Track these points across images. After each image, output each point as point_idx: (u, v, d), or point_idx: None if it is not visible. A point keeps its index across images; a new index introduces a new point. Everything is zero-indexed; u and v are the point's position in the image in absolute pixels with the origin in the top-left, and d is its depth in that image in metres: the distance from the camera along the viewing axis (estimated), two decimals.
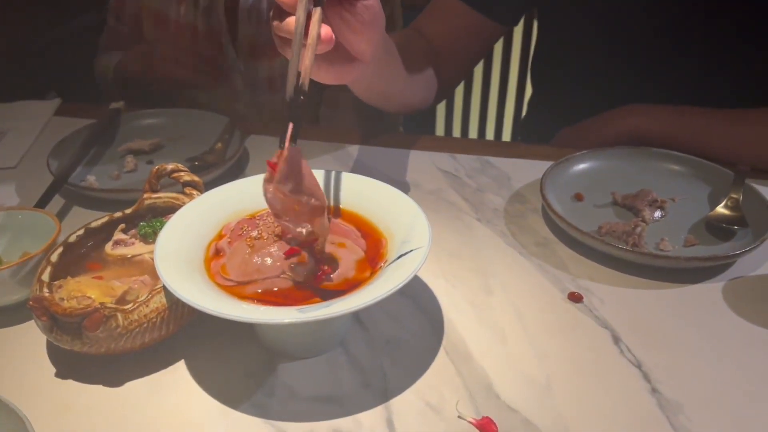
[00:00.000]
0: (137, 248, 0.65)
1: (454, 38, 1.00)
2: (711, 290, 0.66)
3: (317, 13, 0.54)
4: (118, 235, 0.66)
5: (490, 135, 1.60)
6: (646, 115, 0.89)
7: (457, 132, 1.61)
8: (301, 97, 0.53)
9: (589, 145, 0.88)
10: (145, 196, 0.68)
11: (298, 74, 0.54)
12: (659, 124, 0.87)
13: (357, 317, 0.62)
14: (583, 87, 1.02)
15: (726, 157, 0.83)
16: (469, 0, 0.98)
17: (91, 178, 0.84)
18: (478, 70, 1.51)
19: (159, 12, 1.10)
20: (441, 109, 1.59)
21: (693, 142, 0.85)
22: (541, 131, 1.10)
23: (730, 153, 0.84)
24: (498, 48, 1.48)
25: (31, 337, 0.60)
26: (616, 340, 0.60)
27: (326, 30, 0.54)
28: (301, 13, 0.54)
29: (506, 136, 1.58)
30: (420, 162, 0.89)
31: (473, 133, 1.61)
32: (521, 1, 1.02)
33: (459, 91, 1.55)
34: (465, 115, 1.58)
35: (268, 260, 0.55)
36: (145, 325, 0.55)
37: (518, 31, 1.45)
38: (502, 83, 1.51)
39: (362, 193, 0.64)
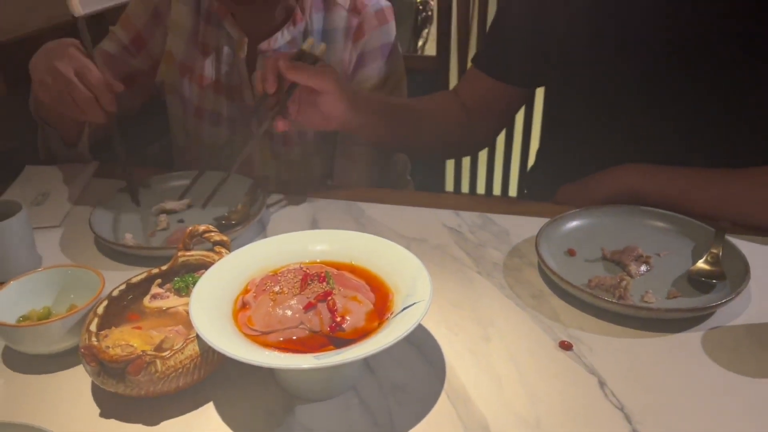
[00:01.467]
0: (172, 301, 0.73)
1: (485, 102, 1.16)
2: (691, 339, 0.72)
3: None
4: (155, 290, 0.74)
5: (497, 187, 1.68)
6: (640, 175, 0.96)
7: (465, 185, 1.69)
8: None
9: (588, 201, 0.95)
10: (179, 254, 0.77)
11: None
12: (653, 183, 0.94)
13: (367, 363, 0.69)
14: (587, 145, 1.10)
15: (713, 214, 0.90)
16: (491, 72, 1.14)
17: (129, 236, 0.93)
18: None
19: (185, 62, 1.20)
20: (450, 163, 1.68)
21: (683, 199, 0.92)
22: (546, 183, 1.18)
23: (716, 210, 0.90)
24: None
25: (78, 380, 0.68)
26: (602, 385, 0.66)
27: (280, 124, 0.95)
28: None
29: (512, 187, 1.65)
30: (426, 218, 0.97)
31: (481, 187, 1.69)
32: (539, 67, 1.12)
33: None
34: (473, 170, 1.67)
35: (289, 312, 0.62)
36: (180, 370, 0.62)
37: None
38: (508, 140, 1.60)
39: (372, 251, 0.72)
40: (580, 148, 1.11)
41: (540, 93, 1.33)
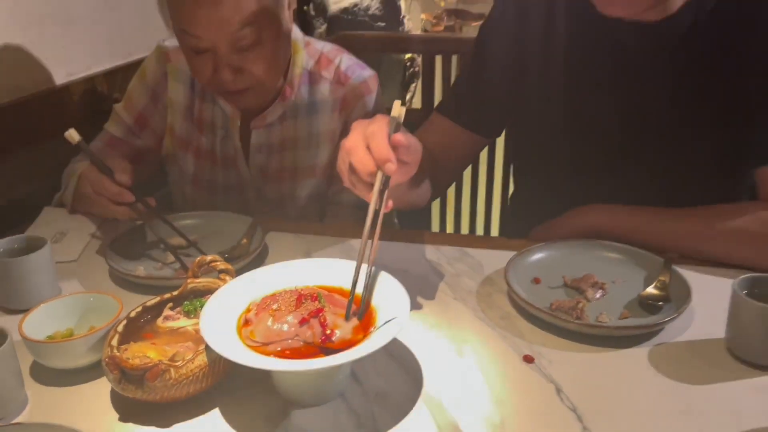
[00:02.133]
0: (182, 322, 0.83)
1: (447, 148, 1.22)
2: (639, 353, 0.82)
3: (387, 194, 0.79)
4: (167, 312, 0.84)
5: (480, 228, 1.80)
6: (602, 214, 1.07)
7: (450, 226, 1.81)
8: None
9: (558, 238, 1.06)
10: (189, 281, 0.87)
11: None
12: (613, 220, 1.06)
13: (353, 374, 0.79)
14: (554, 188, 1.21)
15: (662, 247, 1.01)
16: (455, 119, 1.21)
17: (140, 268, 1.03)
18: (467, 174, 1.73)
19: (182, 137, 1.30)
20: (435, 207, 1.80)
21: (637, 234, 1.03)
22: (522, 223, 1.28)
23: (665, 244, 1.02)
24: (484, 155, 1.70)
25: (99, 391, 0.78)
26: (559, 391, 0.76)
27: (390, 204, 0.80)
28: (376, 193, 0.78)
29: (494, 228, 1.77)
30: (410, 253, 1.08)
31: (465, 227, 1.80)
32: (500, 118, 1.24)
33: (451, 191, 1.76)
34: (457, 212, 1.79)
35: (285, 327, 0.73)
36: (191, 378, 0.72)
37: (500, 140, 1.67)
38: (489, 184, 1.72)
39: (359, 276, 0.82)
40: (546, 193, 1.22)
41: None
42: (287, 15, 1.15)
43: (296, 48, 1.24)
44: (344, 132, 1.25)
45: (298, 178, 1.28)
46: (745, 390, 0.76)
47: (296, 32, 1.24)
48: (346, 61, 1.27)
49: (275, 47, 1.12)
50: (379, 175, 0.78)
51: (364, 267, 0.79)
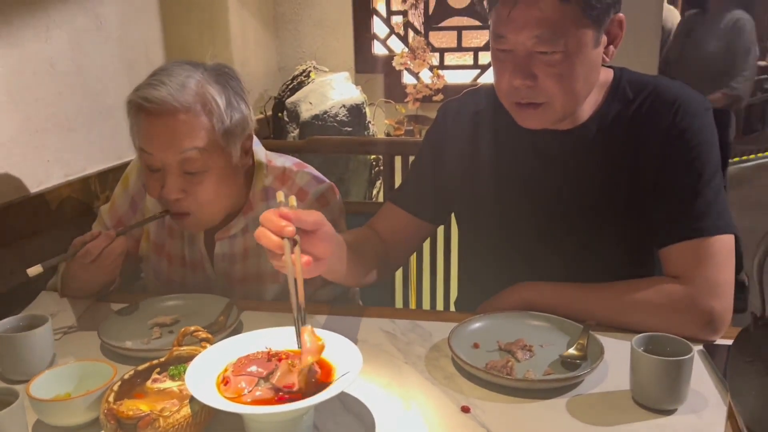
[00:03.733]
0: (168, 384, 0.96)
1: (396, 232, 1.39)
2: (558, 403, 0.97)
3: (297, 251, 0.94)
4: (154, 375, 0.97)
5: (440, 303, 1.96)
6: (532, 290, 1.25)
7: (413, 302, 1.96)
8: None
9: (498, 311, 1.22)
10: (174, 349, 1.01)
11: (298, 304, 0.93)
12: (541, 296, 1.23)
13: (315, 426, 0.92)
14: (491, 269, 1.39)
15: (584, 317, 1.18)
16: (405, 207, 1.39)
17: (129, 343, 1.16)
18: (426, 257, 1.91)
19: (156, 241, 1.45)
20: (398, 287, 1.96)
21: (564, 307, 1.20)
22: (470, 300, 1.44)
23: (585, 314, 1.19)
24: (441, 238, 1.89)
25: None
26: None
27: (306, 259, 0.94)
28: (288, 256, 0.93)
29: (451, 303, 1.92)
30: (368, 325, 1.23)
31: (426, 303, 1.96)
32: (443, 208, 1.43)
33: (414, 271, 1.94)
34: (419, 289, 1.95)
35: (257, 379, 0.86)
36: (176, 427, 0.85)
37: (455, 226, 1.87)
38: (446, 265, 1.90)
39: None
40: (486, 273, 1.39)
41: None
42: (237, 152, 1.28)
43: (259, 166, 1.38)
44: None
45: (264, 283, 1.41)
46: (644, 430, 0.91)
47: (259, 152, 1.39)
48: (305, 177, 1.38)
49: (220, 178, 1.25)
50: (286, 244, 0.93)
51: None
